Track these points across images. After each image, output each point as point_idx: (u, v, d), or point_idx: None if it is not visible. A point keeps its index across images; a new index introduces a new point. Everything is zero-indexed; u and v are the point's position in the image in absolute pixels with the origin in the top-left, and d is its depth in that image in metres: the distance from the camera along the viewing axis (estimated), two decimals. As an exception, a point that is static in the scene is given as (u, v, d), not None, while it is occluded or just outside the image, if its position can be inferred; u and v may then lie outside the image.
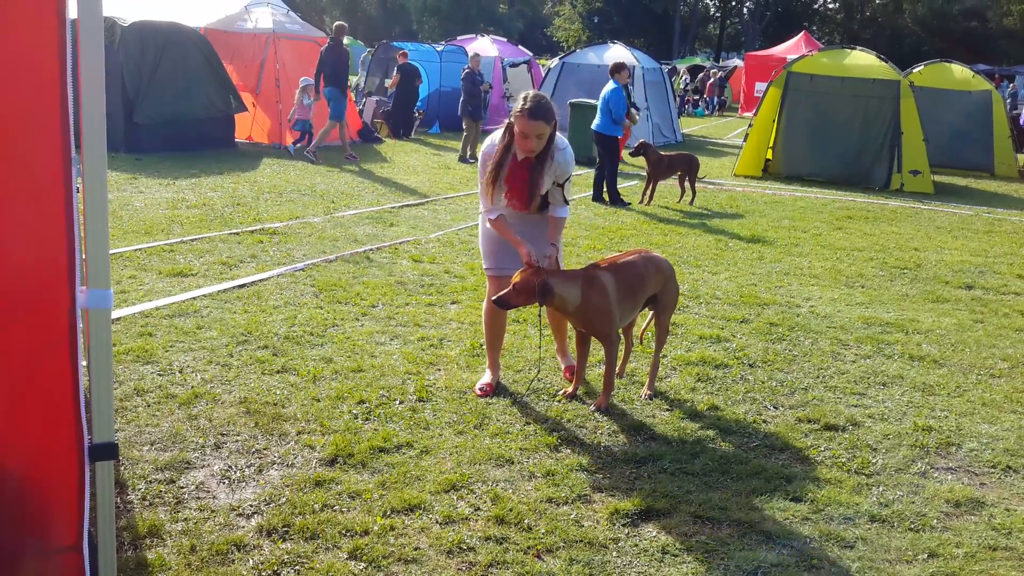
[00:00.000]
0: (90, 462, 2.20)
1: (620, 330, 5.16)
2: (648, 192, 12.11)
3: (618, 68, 12.08)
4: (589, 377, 5.31)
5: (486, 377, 5.10)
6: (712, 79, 36.82)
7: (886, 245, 10.00)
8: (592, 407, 4.87)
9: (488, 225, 4.90)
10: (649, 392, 5.08)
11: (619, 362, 5.35)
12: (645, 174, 12.33)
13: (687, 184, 12.32)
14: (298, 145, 15.09)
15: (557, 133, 4.63)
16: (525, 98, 4.50)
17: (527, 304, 4.68)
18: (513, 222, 4.82)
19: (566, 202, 4.85)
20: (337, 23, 14.95)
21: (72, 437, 2.09)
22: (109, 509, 2.40)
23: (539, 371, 5.36)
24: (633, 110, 15.48)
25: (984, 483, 4.25)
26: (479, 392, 4.97)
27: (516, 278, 4.62)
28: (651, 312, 5.25)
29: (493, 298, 4.71)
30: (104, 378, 2.22)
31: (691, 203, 12.19)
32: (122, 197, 10.13)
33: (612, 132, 11.94)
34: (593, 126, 12.12)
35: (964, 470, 4.37)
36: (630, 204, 11.95)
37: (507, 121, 4.63)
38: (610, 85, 11.90)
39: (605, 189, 12.08)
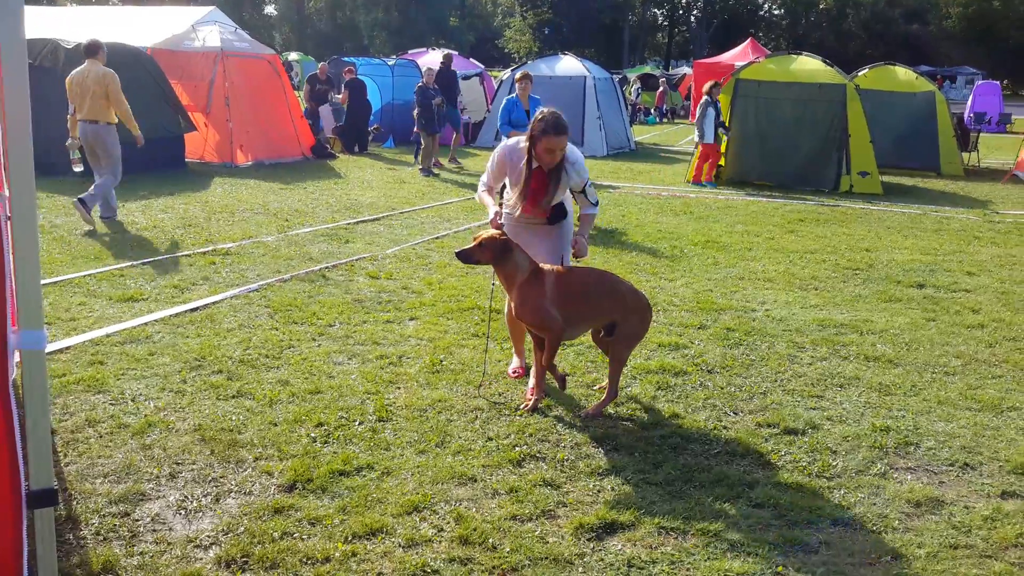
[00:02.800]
0: (29, 509, 2.11)
1: (606, 354, 5.24)
2: None
3: (520, 77, 11.68)
4: (572, 390, 5.30)
5: (515, 362, 5.61)
6: (662, 88, 37.17)
7: (838, 247, 10.13)
8: (523, 407, 4.99)
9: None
10: (591, 412, 4.92)
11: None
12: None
13: None
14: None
15: (569, 146, 4.99)
16: (544, 118, 4.83)
17: (487, 262, 4.89)
18: (519, 229, 5.20)
19: (593, 204, 5.19)
20: (446, 51, 18.41)
21: (8, 485, 2.00)
22: (51, 557, 2.31)
23: (488, 338, 5.87)
24: (720, 130, 15.25)
25: (943, 481, 4.29)
26: (512, 374, 5.49)
27: (482, 235, 4.86)
28: None
29: (456, 251, 4.96)
30: (41, 421, 2.13)
31: None
32: (70, 222, 9.92)
33: None
34: None
35: (923, 469, 4.42)
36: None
37: (525, 137, 4.95)
38: (510, 95, 11.58)
39: None
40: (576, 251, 5.10)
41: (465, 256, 4.88)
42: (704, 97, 15.25)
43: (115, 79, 10.12)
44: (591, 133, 20.14)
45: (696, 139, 15.47)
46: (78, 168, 11.11)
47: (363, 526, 3.65)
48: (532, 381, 5.15)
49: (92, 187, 10.00)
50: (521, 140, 5.04)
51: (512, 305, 4.98)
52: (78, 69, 10.22)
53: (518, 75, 11.71)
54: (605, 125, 20.42)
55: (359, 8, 78.23)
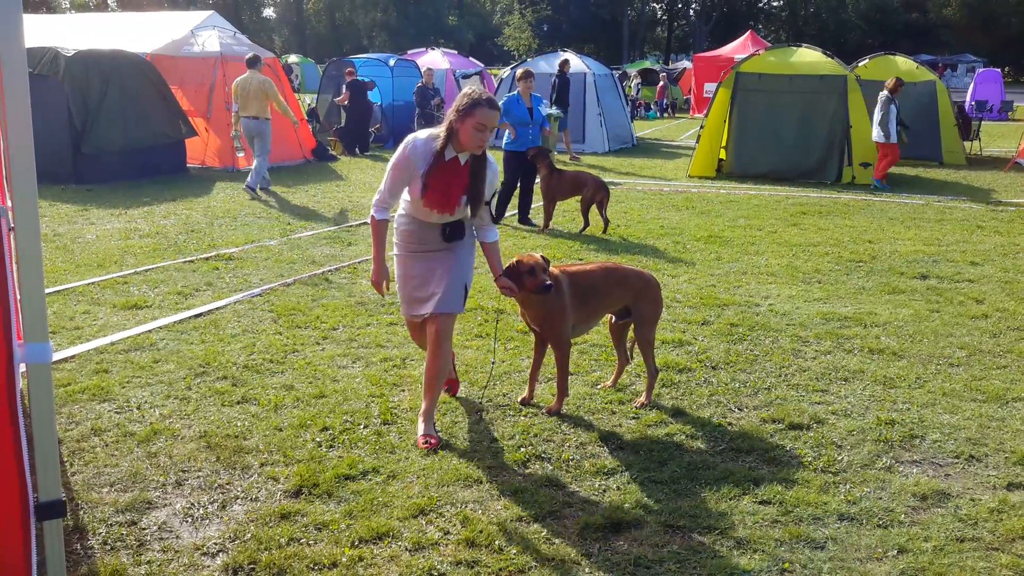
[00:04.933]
0: (37, 521, 2.11)
1: (614, 345, 5.33)
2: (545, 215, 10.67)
3: (522, 75, 11.05)
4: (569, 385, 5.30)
5: (422, 428, 4.58)
6: (662, 82, 37.11)
7: (840, 239, 10.11)
8: (544, 411, 4.94)
9: (401, 264, 4.70)
10: (644, 401, 5.07)
11: (613, 375, 5.41)
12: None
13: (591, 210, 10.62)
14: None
15: (487, 151, 4.53)
16: (475, 94, 4.35)
17: (531, 288, 4.60)
18: (415, 260, 4.62)
19: (493, 220, 4.71)
20: (563, 58, 18.78)
21: (16, 498, 2.00)
22: (60, 569, 2.31)
23: (493, 367, 5.56)
24: (900, 128, 14.02)
25: (949, 474, 4.29)
26: (424, 444, 4.47)
27: (524, 260, 4.61)
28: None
29: (542, 288, 4.49)
30: (48, 434, 2.14)
31: (582, 231, 10.55)
32: (73, 230, 9.95)
33: (507, 147, 10.76)
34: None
35: (929, 462, 4.41)
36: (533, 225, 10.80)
37: (447, 121, 4.37)
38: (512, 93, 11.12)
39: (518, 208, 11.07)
40: (504, 286, 4.65)
41: (544, 288, 4.55)
42: (884, 94, 14.10)
43: (273, 85, 12.87)
44: (592, 129, 20.13)
45: (877, 139, 14.28)
46: (241, 153, 14.32)
47: (369, 530, 3.65)
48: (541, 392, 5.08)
49: (250, 174, 12.78)
50: (432, 131, 4.47)
51: (532, 319, 4.85)
52: (243, 76, 12.81)
53: (519, 72, 11.35)
54: (606, 121, 20.41)
55: (357, 9, 78.29)
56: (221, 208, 11.75)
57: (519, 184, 10.98)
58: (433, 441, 4.49)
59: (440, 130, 4.41)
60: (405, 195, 4.54)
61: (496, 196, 4.82)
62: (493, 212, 4.72)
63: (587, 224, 10.49)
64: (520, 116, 10.66)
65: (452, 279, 4.56)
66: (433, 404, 4.64)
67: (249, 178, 12.79)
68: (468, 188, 4.44)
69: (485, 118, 4.30)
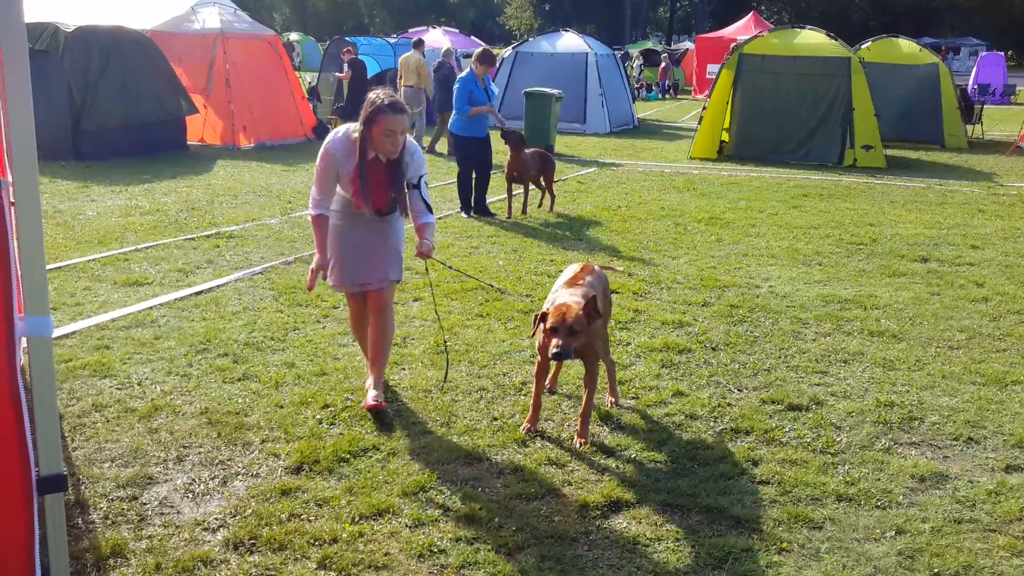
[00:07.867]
0: (39, 495, 2.12)
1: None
2: (511, 197, 10.43)
3: (481, 59, 10.45)
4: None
5: (377, 393, 4.61)
6: (664, 63, 36.94)
7: (842, 222, 10.10)
8: (578, 443, 4.37)
9: (335, 235, 4.59)
10: (613, 399, 4.81)
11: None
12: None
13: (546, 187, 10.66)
14: None
15: (408, 136, 4.50)
16: (377, 99, 4.28)
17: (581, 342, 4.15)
18: (352, 229, 4.59)
19: (429, 210, 4.63)
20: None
21: (18, 471, 2.01)
22: (61, 543, 2.32)
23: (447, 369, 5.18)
24: None
25: (947, 456, 4.30)
26: (372, 402, 4.54)
27: (565, 316, 4.10)
28: None
29: (551, 353, 4.06)
30: (49, 408, 2.14)
31: (550, 208, 10.61)
32: (74, 207, 9.93)
33: (461, 132, 10.27)
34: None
35: (927, 444, 4.43)
36: (496, 215, 10.31)
37: (359, 124, 4.34)
38: (463, 73, 10.54)
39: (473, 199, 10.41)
40: (423, 252, 4.56)
41: (563, 355, 4.07)
42: None
43: (426, 63, 16.38)
44: (593, 110, 20.05)
45: None
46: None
47: (370, 507, 3.67)
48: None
49: None
50: (351, 128, 4.42)
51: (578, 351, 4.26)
52: (407, 54, 16.48)
53: (477, 53, 10.72)
54: (608, 102, 20.33)
55: (359, -14, 77.74)
56: (222, 186, 11.73)
57: (475, 171, 10.27)
58: (383, 404, 4.58)
59: (355, 132, 4.38)
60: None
61: (423, 182, 4.58)
62: (427, 199, 4.61)
63: (553, 199, 10.63)
64: (481, 99, 10.17)
65: (388, 248, 4.63)
66: (382, 373, 4.74)
67: None
68: (392, 181, 4.43)
69: (390, 123, 4.26)
